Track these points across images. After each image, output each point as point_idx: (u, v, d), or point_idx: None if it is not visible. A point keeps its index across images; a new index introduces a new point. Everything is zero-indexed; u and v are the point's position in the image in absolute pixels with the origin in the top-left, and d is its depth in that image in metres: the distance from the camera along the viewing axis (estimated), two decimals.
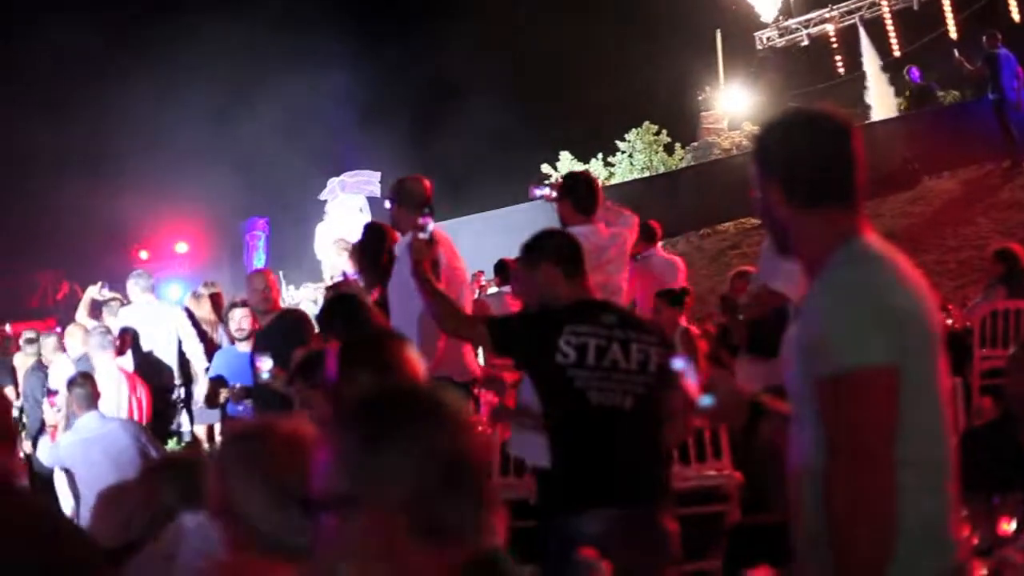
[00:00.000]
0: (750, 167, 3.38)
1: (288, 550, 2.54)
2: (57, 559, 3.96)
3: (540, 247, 5.43)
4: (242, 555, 2.64)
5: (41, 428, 11.45)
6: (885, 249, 3.21)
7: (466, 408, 2.14)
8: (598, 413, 5.09)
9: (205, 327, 12.73)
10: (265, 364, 7.08)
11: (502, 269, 12.57)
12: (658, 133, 32.19)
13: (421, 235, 6.03)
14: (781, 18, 32.15)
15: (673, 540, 5.18)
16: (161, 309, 13.09)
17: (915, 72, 26.89)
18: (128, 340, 11.67)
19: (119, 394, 10.06)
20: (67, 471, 9.23)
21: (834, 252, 3.17)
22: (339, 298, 7.17)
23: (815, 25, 31.62)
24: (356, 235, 16.75)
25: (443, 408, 2.08)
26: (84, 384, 8.75)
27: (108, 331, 10.82)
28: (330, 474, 2.07)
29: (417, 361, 3.89)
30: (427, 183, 7.50)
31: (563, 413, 5.24)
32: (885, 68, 29.67)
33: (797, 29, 31.98)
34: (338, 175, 23.00)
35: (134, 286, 12.90)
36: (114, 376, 10.23)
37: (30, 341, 14.25)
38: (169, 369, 12.10)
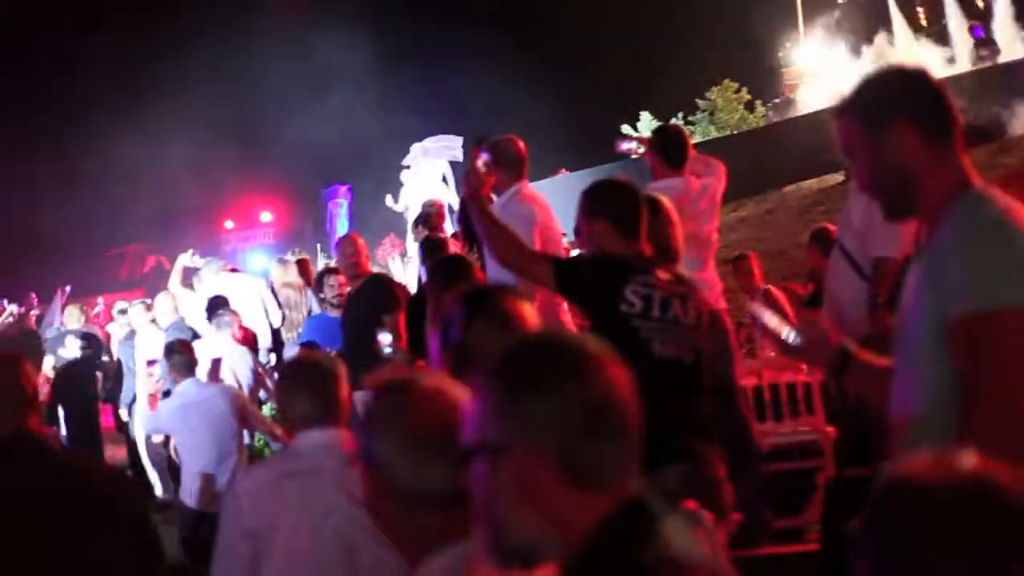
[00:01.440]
0: (846, 124, 3.33)
1: (426, 499, 2.60)
2: (93, 515, 4.28)
3: (598, 202, 5.33)
4: (382, 502, 2.70)
5: (135, 396, 11.67)
6: (1003, 196, 3.19)
7: (611, 354, 2.14)
8: (661, 364, 5.01)
9: (292, 292, 12.83)
10: (386, 339, 7.11)
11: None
12: (738, 91, 32.01)
13: (478, 163, 5.94)
14: None
15: (727, 491, 5.15)
16: (242, 280, 13.26)
17: (979, 30, 26.69)
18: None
19: (228, 361, 10.22)
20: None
21: (960, 195, 3.15)
22: (450, 258, 7.18)
23: None
24: (440, 198, 16.89)
25: (588, 354, 2.11)
26: (182, 351, 8.85)
27: (229, 311, 10.99)
28: (479, 423, 2.12)
29: (534, 313, 3.91)
30: (521, 143, 7.48)
31: (627, 362, 5.20)
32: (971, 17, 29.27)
33: None
34: (420, 140, 23.02)
35: (207, 271, 13.10)
36: (220, 344, 10.40)
37: (122, 312, 14.50)
38: (255, 337, 12.22)
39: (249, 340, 11.59)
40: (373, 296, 9.31)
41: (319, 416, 4.27)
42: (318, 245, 25.49)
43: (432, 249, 10.23)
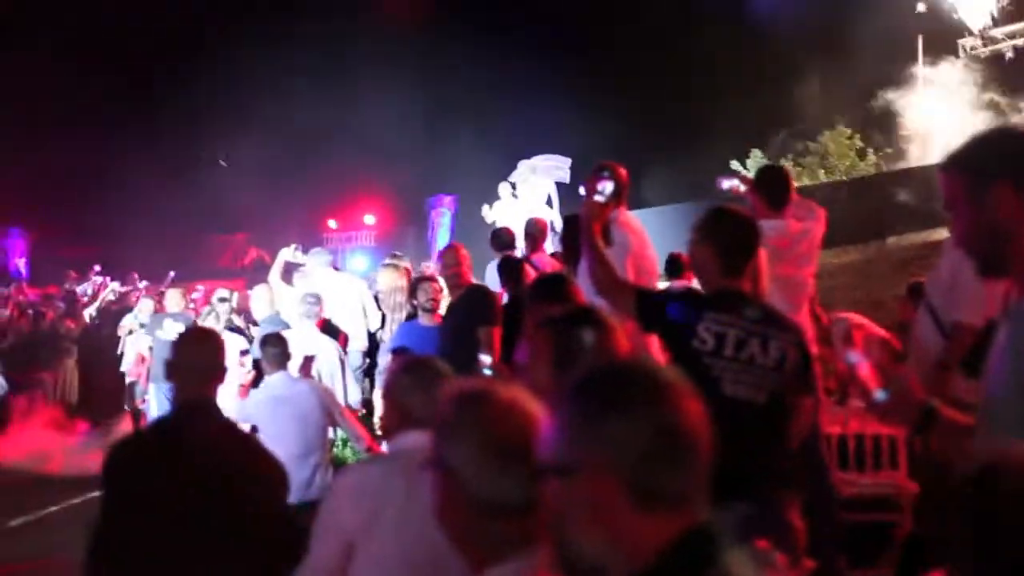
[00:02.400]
0: (950, 178, 3.36)
1: (497, 509, 2.65)
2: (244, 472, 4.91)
3: (709, 229, 5.32)
4: (452, 509, 2.77)
5: None
6: None
7: (687, 385, 2.20)
8: (730, 404, 5.00)
9: (400, 296, 12.91)
10: (486, 360, 7.17)
11: (673, 264, 12.49)
12: (851, 137, 31.75)
13: (597, 197, 5.99)
14: (986, 27, 31.39)
15: (800, 536, 5.13)
16: (345, 279, 13.38)
17: None
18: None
19: (318, 359, 10.33)
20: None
21: None
22: (553, 277, 7.24)
23: (1021, 36, 30.81)
24: (544, 217, 16.91)
25: (664, 382, 2.17)
26: (276, 344, 8.97)
27: (318, 300, 11.06)
28: (553, 441, 2.19)
29: (624, 337, 3.95)
30: (622, 170, 7.50)
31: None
32: None
33: (1002, 39, 31.20)
34: (528, 158, 23.07)
35: (314, 262, 13.21)
36: (312, 341, 10.51)
37: (222, 300, 14.74)
38: (346, 337, 12.32)
39: (341, 341, 11.70)
40: (471, 308, 9.38)
41: (429, 418, 4.30)
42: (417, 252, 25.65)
43: (508, 270, 10.30)
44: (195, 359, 5.06)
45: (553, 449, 2.18)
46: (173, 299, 14.76)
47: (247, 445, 5.25)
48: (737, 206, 5.63)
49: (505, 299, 9.92)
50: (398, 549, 4.04)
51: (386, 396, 4.55)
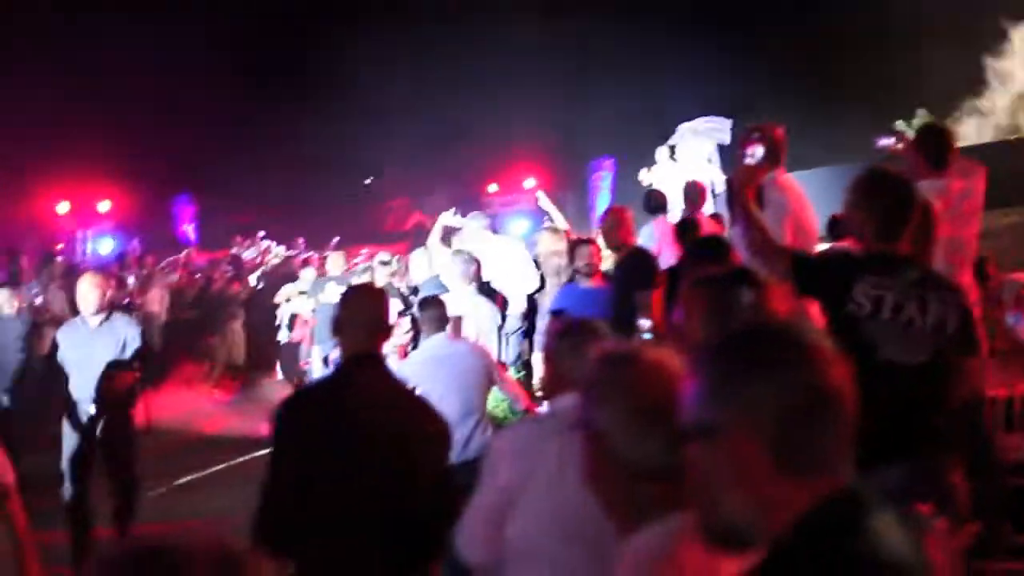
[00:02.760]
0: None
1: (644, 471, 2.65)
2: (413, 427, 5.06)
3: (866, 192, 5.28)
4: (600, 471, 2.76)
5: None
6: None
7: (833, 348, 2.16)
8: (889, 367, 4.94)
9: (560, 260, 12.90)
10: (645, 324, 7.18)
11: (834, 225, 12.26)
12: (1021, 97, 30.84)
13: (748, 160, 5.92)
14: None
15: (962, 500, 5.03)
16: (503, 242, 13.41)
17: None
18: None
19: (475, 320, 10.38)
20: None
21: None
22: (710, 239, 7.19)
23: None
24: (704, 179, 16.80)
25: (809, 344, 2.13)
26: (435, 307, 9.06)
27: (472, 260, 11.11)
28: (696, 403, 2.17)
29: (783, 299, 3.91)
30: (780, 130, 7.36)
31: (853, 364, 5.13)
32: None
33: None
34: (688, 120, 22.87)
35: (472, 225, 13.27)
36: (470, 302, 10.57)
37: (383, 262, 14.92)
38: (506, 300, 12.36)
39: (499, 303, 11.74)
40: (631, 271, 9.36)
41: None
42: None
43: (685, 230, 10.24)
44: (361, 315, 5.18)
45: (695, 410, 2.16)
46: (335, 263, 14.98)
47: (413, 401, 5.36)
48: (895, 167, 5.53)
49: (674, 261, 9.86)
50: (551, 509, 4.07)
51: (545, 358, 4.59)
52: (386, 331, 5.31)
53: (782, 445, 2.04)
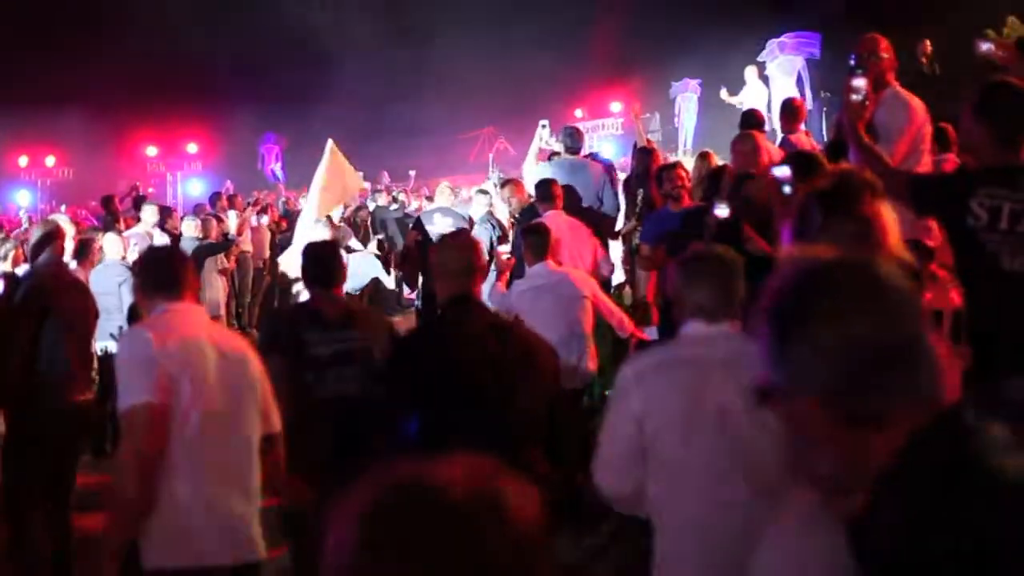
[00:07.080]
0: None
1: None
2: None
3: (986, 103, 5.18)
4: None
5: None
6: None
7: (905, 282, 2.03)
8: (1011, 278, 4.91)
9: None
10: (722, 211, 7.11)
11: (940, 135, 11.99)
12: None
13: (854, 97, 5.84)
14: None
15: None
16: (593, 166, 13.29)
17: None
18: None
19: (569, 245, 10.32)
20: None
21: None
22: (802, 154, 7.11)
23: None
24: (796, 95, 16.58)
25: (870, 288, 2.01)
26: (537, 234, 9.08)
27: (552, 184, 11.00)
28: (761, 362, 2.08)
29: (891, 214, 3.85)
30: (885, 42, 7.26)
31: (975, 277, 5.12)
32: None
33: None
34: (777, 36, 22.57)
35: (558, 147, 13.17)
36: (564, 228, 10.51)
37: (482, 191, 14.96)
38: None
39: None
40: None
41: (713, 309, 4.35)
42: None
43: (806, 167, 10.10)
44: (453, 264, 5.38)
45: (764, 370, 2.07)
46: (443, 193, 14.96)
47: (514, 334, 5.46)
48: (1013, 78, 5.43)
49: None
50: (686, 432, 4.11)
51: (670, 288, 4.60)
52: (479, 274, 5.47)
53: (846, 402, 1.96)
